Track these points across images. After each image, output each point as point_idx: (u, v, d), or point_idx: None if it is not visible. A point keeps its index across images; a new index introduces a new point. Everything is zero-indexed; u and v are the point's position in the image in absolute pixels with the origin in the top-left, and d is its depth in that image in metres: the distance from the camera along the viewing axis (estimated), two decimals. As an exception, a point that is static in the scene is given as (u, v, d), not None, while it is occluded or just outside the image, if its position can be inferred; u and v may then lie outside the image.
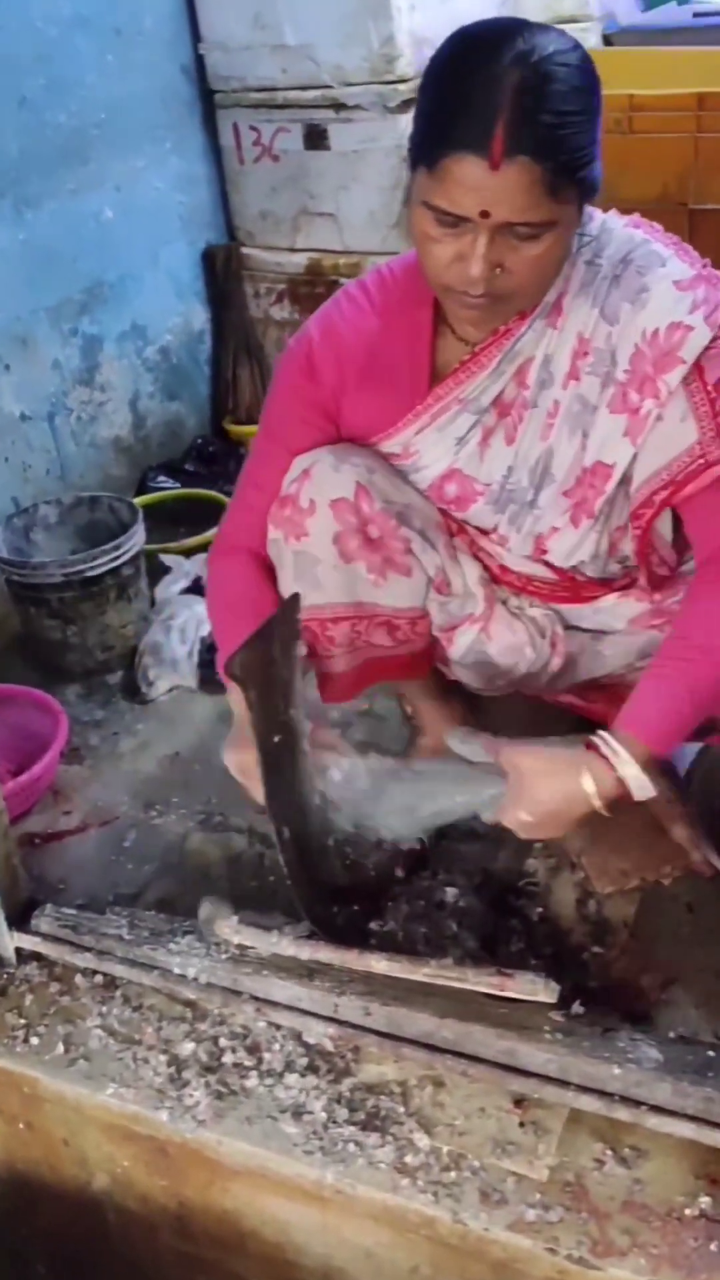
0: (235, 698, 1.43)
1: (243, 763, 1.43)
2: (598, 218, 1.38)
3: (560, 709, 1.74)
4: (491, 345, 1.40)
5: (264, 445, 1.55)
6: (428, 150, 1.21)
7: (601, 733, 1.32)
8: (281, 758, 1.35)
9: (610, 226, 1.37)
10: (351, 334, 1.46)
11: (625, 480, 1.39)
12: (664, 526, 1.44)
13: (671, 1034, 1.34)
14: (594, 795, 1.31)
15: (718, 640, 1.32)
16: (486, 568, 1.59)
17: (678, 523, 1.44)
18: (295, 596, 1.37)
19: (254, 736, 1.32)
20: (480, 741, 1.43)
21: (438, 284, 1.30)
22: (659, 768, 1.36)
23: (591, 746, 1.32)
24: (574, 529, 1.45)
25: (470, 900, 1.51)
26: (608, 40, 3.26)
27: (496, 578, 1.59)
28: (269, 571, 1.54)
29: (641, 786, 1.30)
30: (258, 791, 1.41)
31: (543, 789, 1.34)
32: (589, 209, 1.38)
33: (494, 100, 1.15)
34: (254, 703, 1.29)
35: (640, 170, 2.60)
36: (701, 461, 1.33)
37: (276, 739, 1.33)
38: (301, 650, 1.36)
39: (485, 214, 1.19)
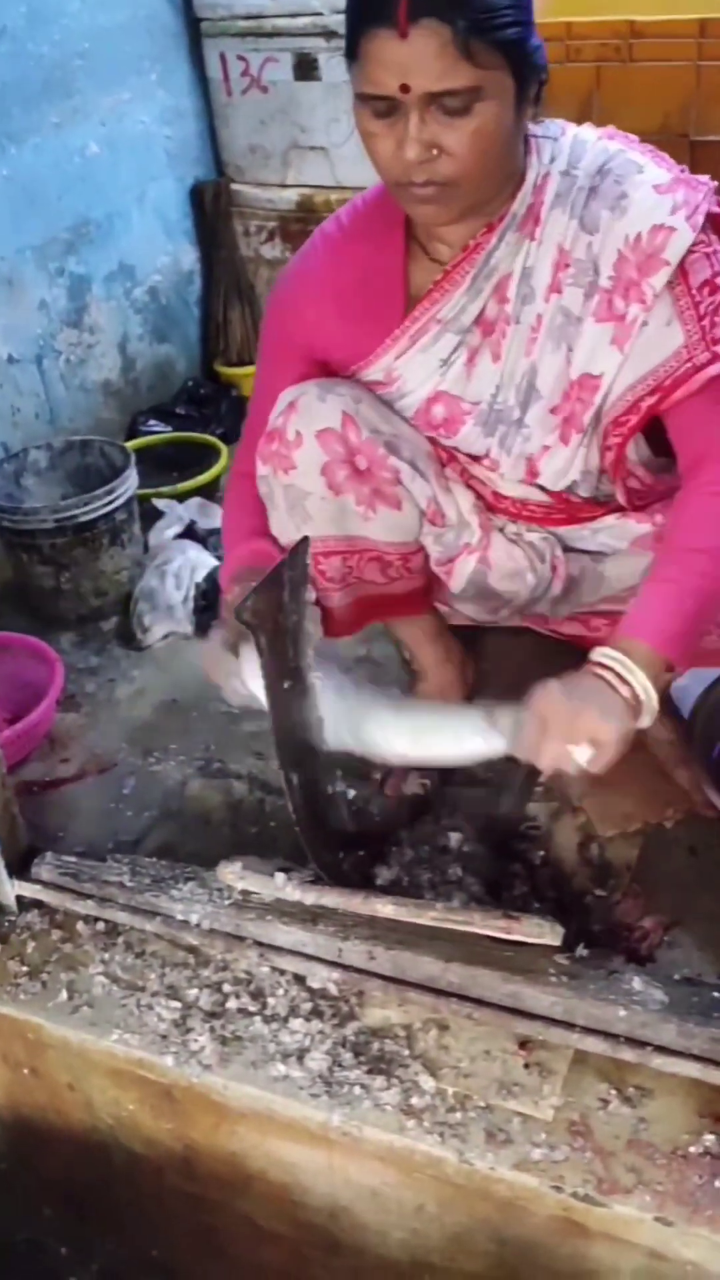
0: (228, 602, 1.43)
1: (212, 651, 1.41)
2: (570, 130, 1.37)
3: (563, 643, 1.72)
4: (463, 262, 1.38)
5: (258, 382, 1.58)
6: (350, 41, 1.23)
7: (599, 649, 1.26)
8: (291, 704, 1.33)
9: (584, 138, 1.36)
10: (325, 268, 1.46)
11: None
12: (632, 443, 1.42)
13: (676, 976, 1.34)
14: (621, 699, 1.23)
15: (711, 541, 1.28)
16: (480, 496, 1.57)
17: (651, 441, 1.42)
18: (305, 540, 1.35)
19: (263, 678, 1.31)
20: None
21: (389, 182, 1.30)
22: (666, 685, 1.28)
23: (593, 664, 1.26)
24: (564, 446, 1.43)
25: (474, 845, 1.51)
26: (605, -35, 3.16)
27: (491, 505, 1.58)
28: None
29: (650, 701, 1.23)
30: (223, 678, 1.39)
31: (566, 704, 1.23)
32: (560, 122, 1.37)
33: None
34: (264, 648, 1.27)
35: (640, 100, 2.53)
36: (690, 365, 1.31)
37: (286, 684, 1.31)
38: (310, 595, 1.34)
39: (405, 88, 1.19)
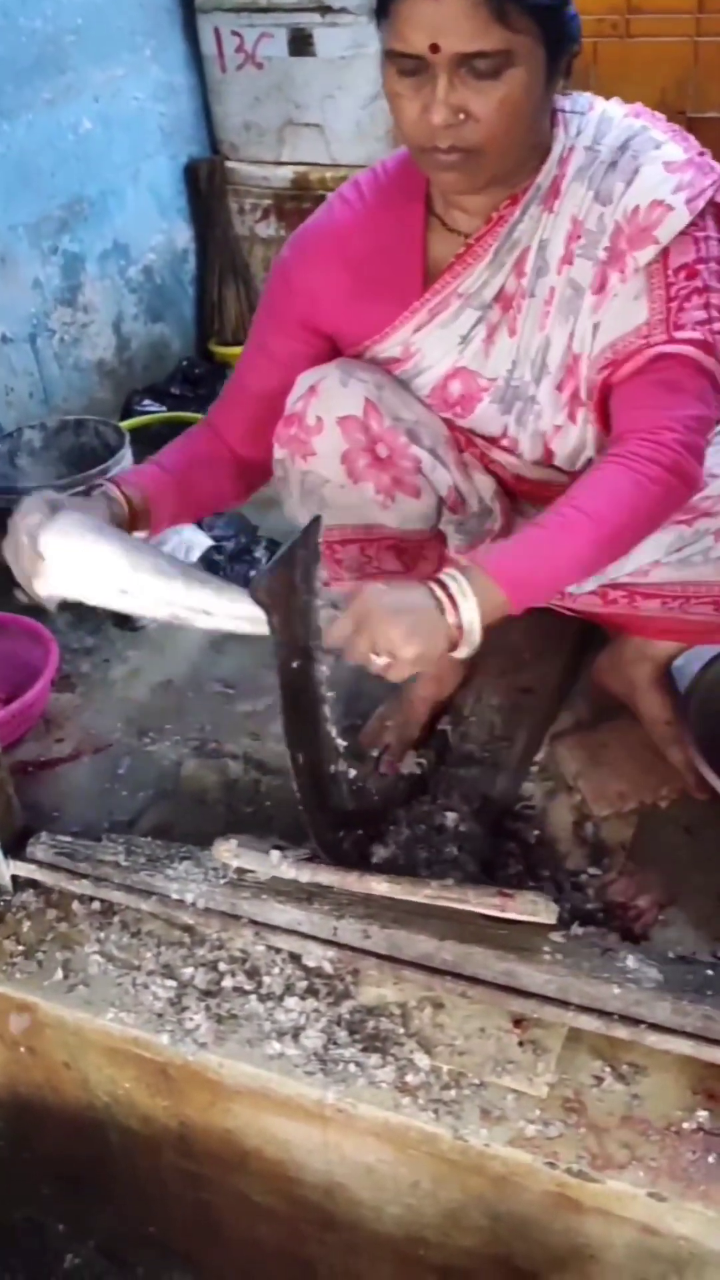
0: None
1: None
2: (598, 105, 1.36)
3: (572, 616, 1.70)
4: (486, 234, 1.36)
5: (250, 345, 1.55)
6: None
7: (447, 568, 1.24)
8: (299, 684, 1.33)
9: (611, 114, 1.35)
10: (340, 237, 1.43)
11: None
12: None
13: (670, 954, 1.35)
14: (444, 623, 1.20)
15: (601, 507, 1.25)
16: (500, 480, 1.56)
17: None
18: (317, 519, 1.33)
19: (276, 657, 1.30)
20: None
21: (413, 146, 1.28)
22: (495, 622, 1.24)
23: (435, 579, 1.23)
24: (573, 425, 1.42)
25: (469, 824, 1.51)
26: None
27: (511, 489, 1.56)
28: (223, 445, 1.53)
29: (471, 632, 1.20)
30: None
31: (382, 597, 1.22)
32: (589, 96, 1.36)
33: None
34: (276, 628, 1.26)
35: (637, 76, 2.52)
36: (644, 342, 1.29)
37: (295, 664, 1.31)
38: (323, 575, 1.33)
39: (436, 48, 1.18)
